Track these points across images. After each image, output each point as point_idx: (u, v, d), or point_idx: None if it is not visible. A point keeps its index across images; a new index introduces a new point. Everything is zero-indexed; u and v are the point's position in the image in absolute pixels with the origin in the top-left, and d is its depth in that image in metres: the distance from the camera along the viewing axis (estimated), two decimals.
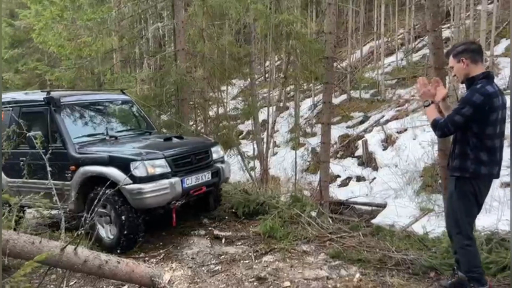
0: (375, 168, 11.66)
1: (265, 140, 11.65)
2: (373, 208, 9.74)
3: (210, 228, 5.22)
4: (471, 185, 2.94)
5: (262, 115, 15.13)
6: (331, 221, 6.04)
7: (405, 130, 12.27)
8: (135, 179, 4.42)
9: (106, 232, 4.71)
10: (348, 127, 13.99)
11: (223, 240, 4.82)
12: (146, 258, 4.49)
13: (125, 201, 4.52)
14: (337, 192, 10.58)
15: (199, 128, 10.62)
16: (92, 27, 7.76)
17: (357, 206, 9.95)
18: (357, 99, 16.01)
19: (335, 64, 9.35)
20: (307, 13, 16.68)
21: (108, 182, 4.14)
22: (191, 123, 9.31)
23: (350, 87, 16.17)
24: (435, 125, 3.02)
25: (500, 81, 12.38)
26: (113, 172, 4.49)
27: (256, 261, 4.15)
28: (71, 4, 8.71)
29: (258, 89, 17.58)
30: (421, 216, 8.22)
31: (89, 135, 5.26)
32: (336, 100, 15.91)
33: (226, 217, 5.72)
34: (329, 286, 3.50)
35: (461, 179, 2.97)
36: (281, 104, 16.39)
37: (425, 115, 3.16)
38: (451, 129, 2.94)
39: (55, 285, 3.80)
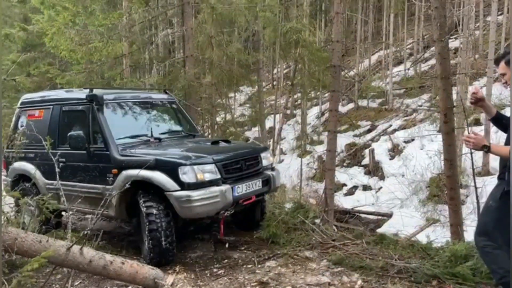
0: (382, 178, 11.63)
1: (271, 147, 11.68)
2: (379, 217, 9.71)
3: (214, 232, 5.25)
4: None
5: (269, 122, 15.20)
6: (335, 229, 6.05)
7: (412, 139, 12.25)
8: (183, 186, 4.07)
9: (147, 240, 4.31)
10: (355, 135, 13.99)
11: (227, 245, 4.85)
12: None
13: (168, 209, 4.18)
14: (342, 201, 10.57)
15: (206, 134, 10.69)
16: (103, 33, 7.91)
17: (362, 215, 9.93)
18: (364, 108, 16.02)
19: (342, 72, 9.40)
20: (315, 22, 16.78)
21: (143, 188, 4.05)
22: (198, 128, 9.37)
23: (357, 96, 16.18)
24: None
25: (508, 92, 12.32)
26: (159, 177, 4.13)
27: (259, 266, 4.18)
28: (83, 10, 8.88)
29: (266, 96, 17.67)
30: (426, 226, 8.19)
31: (132, 136, 4.93)
32: (343, 109, 15.92)
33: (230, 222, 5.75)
34: None
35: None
36: (288, 112, 16.45)
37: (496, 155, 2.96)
38: None
39: (60, 285, 3.85)
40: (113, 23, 8.27)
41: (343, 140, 13.19)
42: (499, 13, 14.02)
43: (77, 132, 4.59)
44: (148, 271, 3.55)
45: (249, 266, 4.20)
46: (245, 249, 4.73)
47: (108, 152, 4.56)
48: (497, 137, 10.70)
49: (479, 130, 9.77)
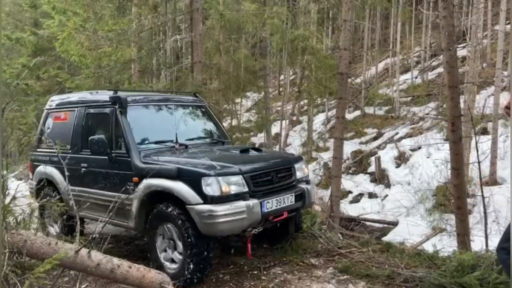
0: (388, 185, 11.60)
1: None
2: (384, 225, 9.68)
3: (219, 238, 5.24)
4: None
5: (275, 129, 15.22)
6: (341, 237, 6.04)
7: (419, 148, 12.21)
8: (206, 199, 3.65)
9: (167, 259, 4.00)
10: (361, 143, 13.98)
11: (232, 251, 4.86)
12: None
13: (193, 224, 3.74)
14: (348, 208, 10.55)
15: None
16: (112, 38, 8.00)
17: (368, 223, 9.90)
18: (371, 115, 16.01)
19: (349, 80, 9.42)
20: (322, 29, 16.84)
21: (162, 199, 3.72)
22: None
23: (364, 103, 16.19)
24: None
25: None
26: (180, 187, 3.76)
27: (264, 272, 4.18)
28: (93, 15, 9.00)
29: (272, 102, 17.72)
30: (433, 235, 8.15)
31: (156, 142, 4.58)
32: (350, 116, 15.93)
33: None
34: None
35: None
36: (294, 118, 16.47)
37: None
38: None
39: (67, 287, 3.88)
40: (123, 29, 8.37)
41: (349, 147, 13.18)
42: (507, 22, 13.99)
43: (98, 136, 4.34)
44: (155, 275, 3.56)
45: (255, 272, 4.20)
46: (251, 255, 4.74)
47: (129, 159, 4.24)
48: (504, 146, 10.65)
49: (486, 139, 9.73)
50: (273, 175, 4.12)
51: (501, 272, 3.50)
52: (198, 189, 3.67)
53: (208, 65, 9.36)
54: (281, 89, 21.26)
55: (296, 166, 4.45)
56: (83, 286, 3.96)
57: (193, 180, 3.72)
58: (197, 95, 5.77)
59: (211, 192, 3.66)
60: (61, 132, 5.13)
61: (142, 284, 3.51)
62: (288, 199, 4.14)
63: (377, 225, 9.79)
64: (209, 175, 3.69)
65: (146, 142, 4.50)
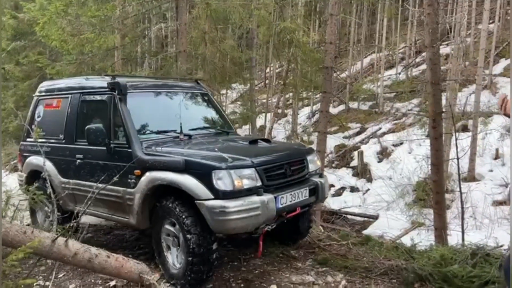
0: (369, 180, 11.75)
1: None
2: (365, 219, 9.82)
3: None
4: None
5: (259, 121, 15.21)
6: (322, 229, 6.09)
7: (401, 143, 12.39)
8: (218, 194, 3.37)
9: (173, 257, 3.73)
10: (344, 137, 14.10)
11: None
12: (135, 255, 4.50)
13: (199, 221, 3.48)
14: (330, 202, 10.65)
15: None
16: (95, 24, 7.82)
17: (349, 217, 10.03)
18: (355, 110, 16.15)
19: (334, 74, 9.45)
20: (309, 23, 16.84)
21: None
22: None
23: (348, 98, 16.30)
24: None
25: (496, 100, 12.50)
26: (188, 181, 3.47)
27: (245, 263, 4.19)
28: (76, 0, 8.78)
29: (257, 95, 17.68)
30: (411, 229, 8.30)
31: (158, 132, 4.27)
32: (334, 110, 16.03)
33: None
34: None
35: None
36: (280, 111, 16.48)
37: None
38: None
39: (44, 277, 3.81)
40: (106, 15, 8.18)
41: (332, 141, 13.28)
42: (491, 21, 14.23)
43: (96, 125, 4.04)
44: (134, 265, 3.53)
45: (235, 263, 4.21)
46: (231, 246, 4.74)
47: (130, 150, 3.94)
48: (483, 144, 10.88)
49: (466, 136, 9.92)
50: (286, 168, 3.83)
51: (475, 266, 3.59)
52: (208, 183, 3.39)
53: (193, 55, 9.25)
54: (266, 82, 21.22)
55: (309, 158, 4.20)
56: (60, 275, 3.91)
57: (203, 173, 3.44)
58: (199, 82, 5.39)
59: (223, 186, 3.38)
60: (53, 121, 4.81)
61: (121, 274, 3.49)
62: (302, 194, 3.88)
63: (358, 218, 9.92)
64: (220, 168, 3.40)
65: (148, 131, 4.21)
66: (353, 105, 16.38)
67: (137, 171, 3.83)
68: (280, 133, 16.00)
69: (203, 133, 4.61)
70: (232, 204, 3.33)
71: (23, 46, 14.90)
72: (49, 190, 3.87)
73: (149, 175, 3.74)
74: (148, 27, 13.19)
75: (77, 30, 8.11)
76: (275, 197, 3.55)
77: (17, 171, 5.71)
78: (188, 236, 3.46)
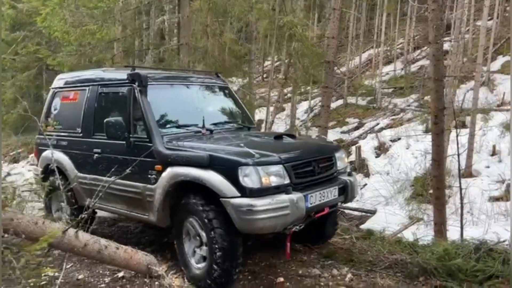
0: (367, 175, 11.81)
1: None
2: (363, 214, 9.88)
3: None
4: None
5: (258, 114, 15.23)
6: None
7: (399, 139, 12.46)
8: (245, 191, 3.23)
9: (195, 258, 3.65)
10: (342, 132, 14.15)
11: None
12: (140, 247, 4.53)
13: (224, 220, 3.35)
14: None
15: None
16: (97, 16, 7.79)
17: (346, 211, 10.08)
18: (353, 105, 16.19)
19: (335, 69, 9.49)
20: (309, 17, 16.82)
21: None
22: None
23: (347, 93, 16.34)
24: None
25: (494, 97, 12.62)
26: (213, 178, 3.33)
27: (251, 256, 4.24)
28: None
29: (256, 88, 17.65)
30: (410, 224, 8.37)
31: (179, 126, 4.13)
32: (332, 105, 16.03)
33: None
34: (322, 283, 3.61)
35: None
36: (279, 105, 16.49)
37: None
38: None
39: (51, 268, 3.84)
40: (108, 7, 8.14)
41: (330, 136, 13.30)
42: (489, 18, 14.28)
43: (115, 119, 3.91)
44: (142, 257, 3.57)
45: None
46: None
47: (151, 144, 3.80)
48: (481, 140, 10.98)
49: (465, 133, 10.00)
50: (314, 165, 3.67)
51: (478, 261, 3.66)
52: (234, 180, 3.25)
53: (194, 48, 9.23)
54: (265, 75, 21.19)
55: (337, 155, 4.04)
56: (68, 266, 3.93)
57: (228, 169, 3.30)
58: (219, 75, 5.20)
59: (250, 184, 3.22)
60: (70, 114, 4.73)
61: (129, 265, 3.52)
62: (331, 193, 3.72)
63: (355, 213, 9.98)
64: (247, 164, 3.25)
65: (169, 125, 4.06)
66: (351, 100, 16.42)
67: (158, 166, 3.71)
68: (280, 127, 16.04)
69: (225, 128, 4.47)
70: (260, 203, 3.18)
71: (23, 36, 14.70)
72: (58, 182, 3.84)
73: (170, 170, 3.61)
74: (148, 19, 13.09)
75: (79, 22, 8.06)
76: (305, 196, 3.40)
77: (15, 162, 5.69)
78: (212, 234, 3.35)
